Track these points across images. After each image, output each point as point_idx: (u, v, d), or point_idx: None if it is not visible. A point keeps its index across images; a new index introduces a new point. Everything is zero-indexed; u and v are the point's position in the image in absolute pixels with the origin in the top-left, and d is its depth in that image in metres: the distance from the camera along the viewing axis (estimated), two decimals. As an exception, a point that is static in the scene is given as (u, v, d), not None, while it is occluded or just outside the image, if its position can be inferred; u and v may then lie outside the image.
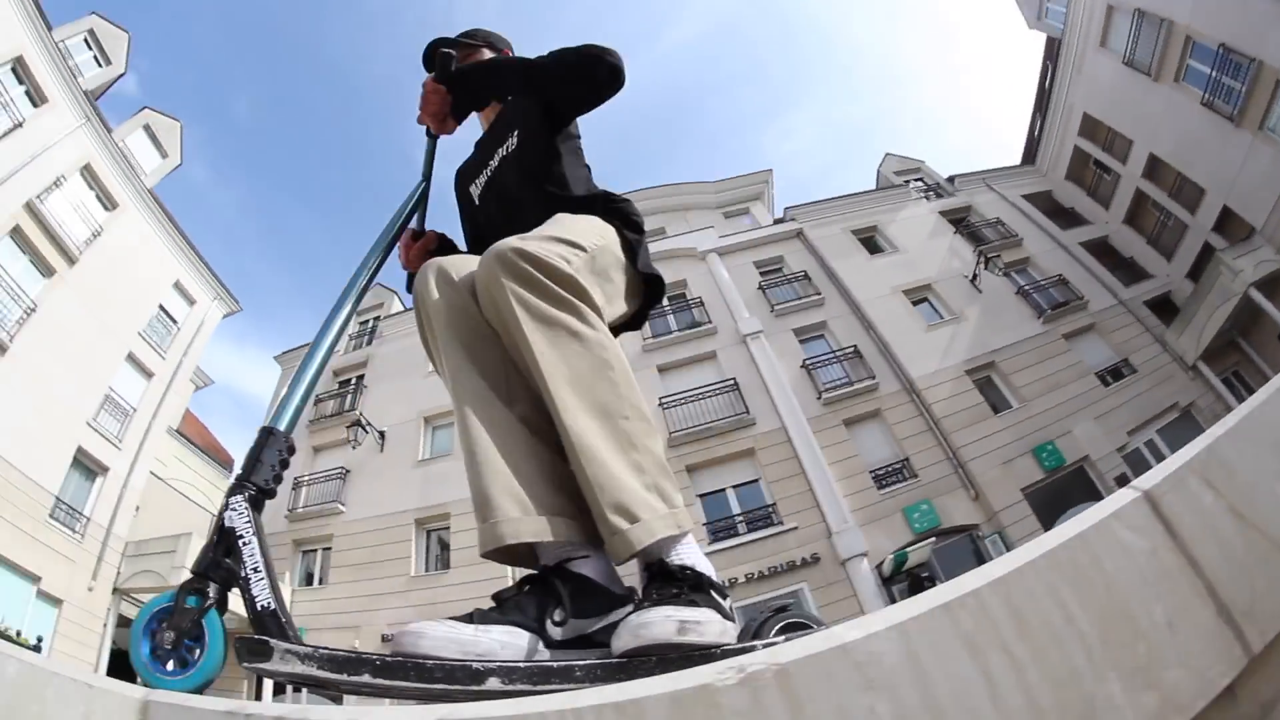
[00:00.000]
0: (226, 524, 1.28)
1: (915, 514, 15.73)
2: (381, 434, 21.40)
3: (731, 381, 18.77)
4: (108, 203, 21.25)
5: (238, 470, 1.40)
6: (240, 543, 1.26)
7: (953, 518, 15.71)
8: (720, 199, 25.90)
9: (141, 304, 21.78)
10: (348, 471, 21.33)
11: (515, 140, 2.02)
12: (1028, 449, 16.38)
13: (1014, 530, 14.89)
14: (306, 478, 21.84)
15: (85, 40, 21.71)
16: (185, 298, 23.86)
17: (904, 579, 14.98)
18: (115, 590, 18.30)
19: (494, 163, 2.11)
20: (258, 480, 1.36)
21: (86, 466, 18.99)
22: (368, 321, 26.88)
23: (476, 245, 2.14)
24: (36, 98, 19.19)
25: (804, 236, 22.39)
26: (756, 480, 17.31)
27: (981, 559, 14.66)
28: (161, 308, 22.70)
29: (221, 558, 1.25)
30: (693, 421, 18.14)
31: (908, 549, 14.78)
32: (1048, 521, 14.83)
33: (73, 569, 17.27)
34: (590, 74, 1.85)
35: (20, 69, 18.79)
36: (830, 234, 22.23)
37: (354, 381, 24.60)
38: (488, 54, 2.26)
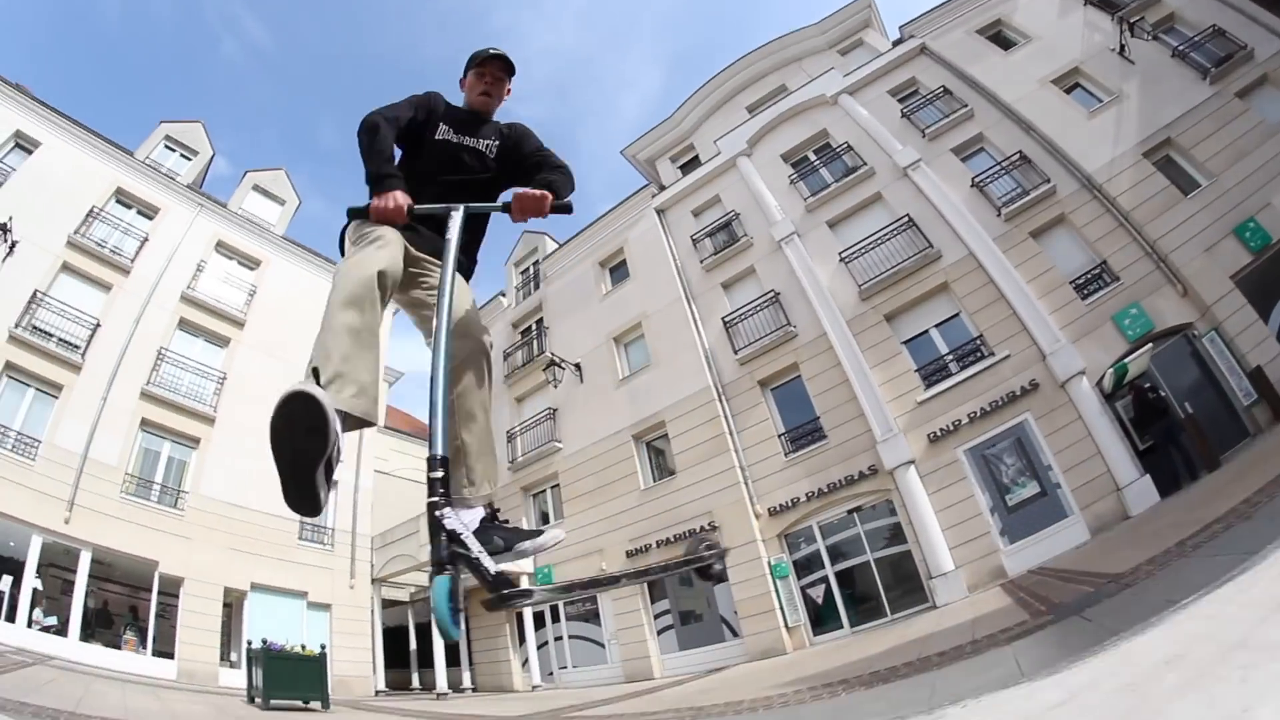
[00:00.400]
0: (449, 527, 1.96)
1: (1125, 320, 15.44)
2: (577, 366, 22.47)
3: (905, 219, 18.54)
4: (250, 263, 24.06)
5: (438, 493, 2.04)
6: (462, 538, 1.96)
7: (1164, 319, 15.28)
8: (829, 38, 24.27)
9: (312, 332, 23.24)
10: (555, 410, 22.66)
11: (497, 155, 3.08)
12: (1228, 230, 15.48)
13: (1231, 324, 14.40)
14: (518, 428, 23.54)
15: (166, 146, 24.03)
16: None
17: (1126, 393, 15.04)
18: (374, 581, 21.05)
19: (480, 145, 3.05)
20: (452, 495, 2.08)
21: None
22: (527, 269, 27.68)
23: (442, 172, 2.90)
24: (149, 212, 21.90)
25: (929, 51, 21.14)
26: (957, 315, 17.38)
27: (1202, 361, 14.73)
28: None
29: (454, 550, 1.94)
30: (877, 269, 18.22)
31: (1126, 360, 14.74)
32: (1264, 309, 14.41)
33: (332, 576, 20.05)
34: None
35: (123, 197, 21.52)
36: (955, 40, 20.94)
37: (534, 327, 25.66)
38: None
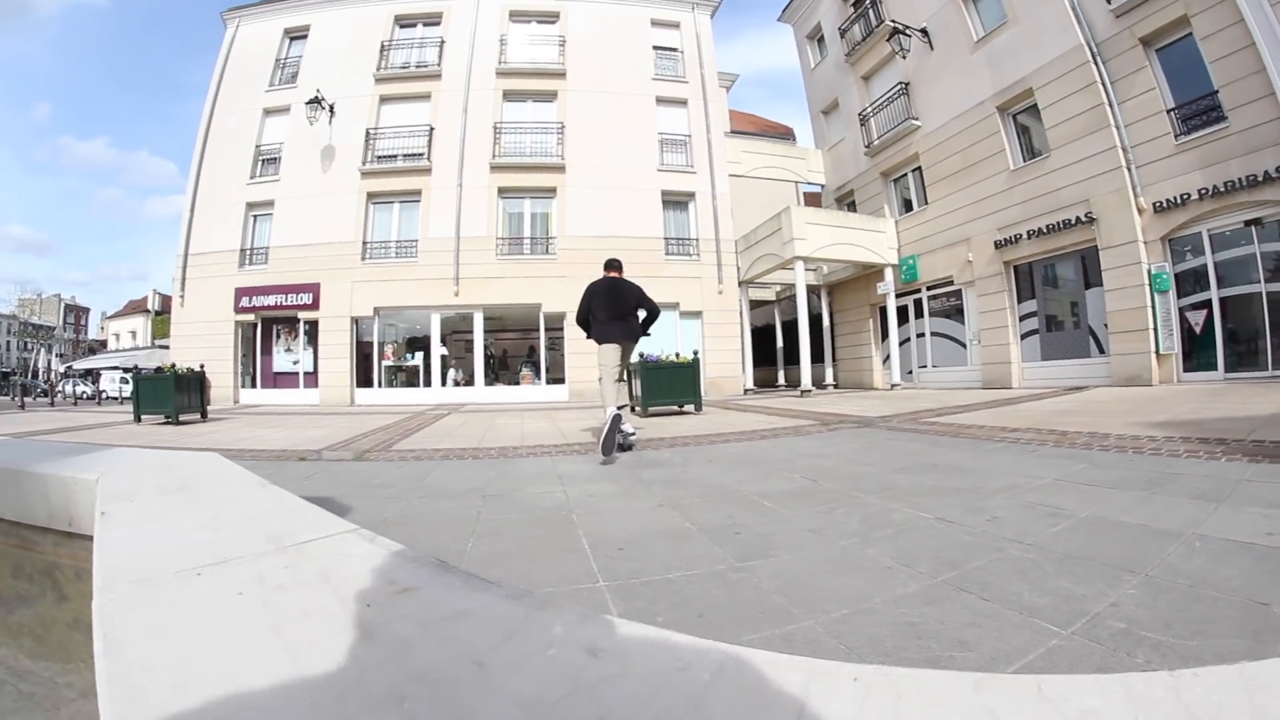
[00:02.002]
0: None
1: None
2: (923, 31, 21.48)
3: None
4: (549, 18, 26.18)
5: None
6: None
7: None
8: None
9: (640, 56, 25.84)
10: (907, 84, 22.35)
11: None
12: None
13: None
14: (869, 108, 23.93)
15: None
16: (669, 27, 26.69)
17: None
18: (741, 284, 24.16)
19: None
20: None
21: (676, 201, 24.54)
22: None
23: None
24: (433, 19, 25.88)
25: None
26: None
27: None
28: (655, 48, 26.07)
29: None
30: None
31: None
32: None
33: (700, 284, 23.55)
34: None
35: (404, 21, 26.10)
36: None
37: None
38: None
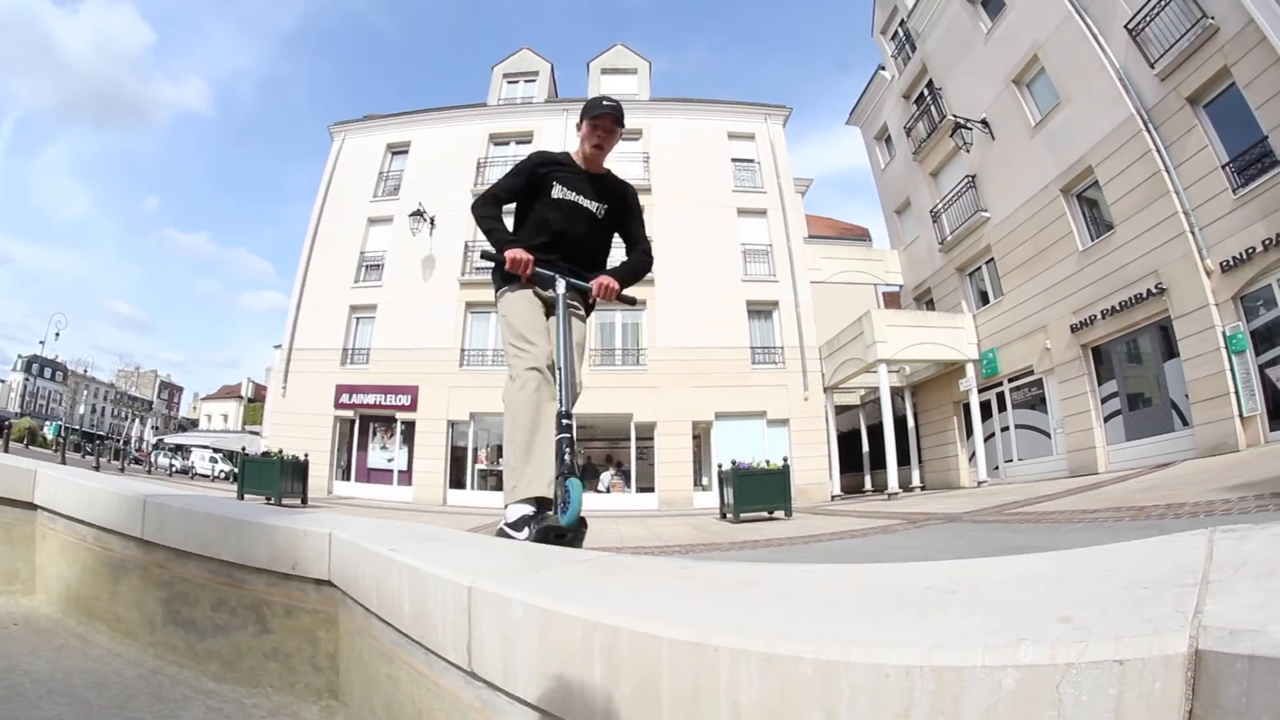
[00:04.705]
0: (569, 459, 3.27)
1: None
2: (983, 122, 22.21)
3: None
4: (633, 135, 27.53)
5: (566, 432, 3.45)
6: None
7: None
8: None
9: (719, 168, 27.97)
10: (974, 176, 23.04)
11: (605, 217, 3.93)
12: None
13: None
14: (940, 204, 24.68)
15: (508, 82, 31.78)
16: (744, 138, 28.80)
17: None
18: (826, 389, 24.63)
19: (591, 206, 3.85)
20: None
21: (761, 310, 25.90)
22: (896, 34, 28.07)
23: (555, 237, 3.76)
24: (524, 138, 28.72)
25: None
26: None
27: None
28: (734, 160, 28.17)
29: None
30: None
31: None
32: None
33: (785, 392, 24.28)
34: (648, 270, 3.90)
35: (498, 139, 29.53)
36: None
37: (925, 92, 25.87)
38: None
